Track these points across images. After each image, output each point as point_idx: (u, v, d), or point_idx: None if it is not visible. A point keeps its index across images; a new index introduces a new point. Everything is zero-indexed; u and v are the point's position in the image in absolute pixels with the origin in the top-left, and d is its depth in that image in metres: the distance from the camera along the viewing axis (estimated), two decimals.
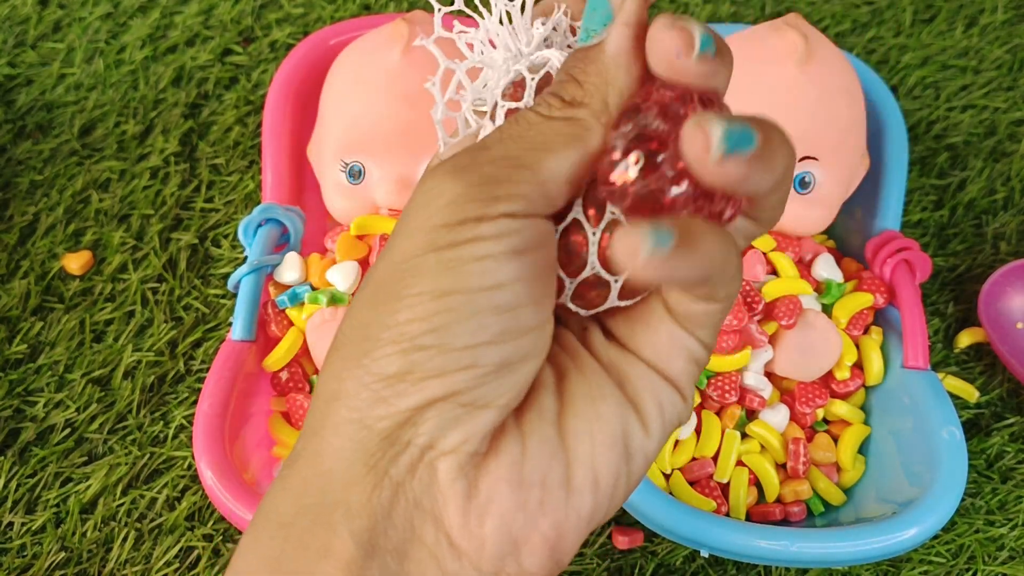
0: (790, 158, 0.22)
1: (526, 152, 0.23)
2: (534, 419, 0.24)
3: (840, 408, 0.44)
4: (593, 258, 0.24)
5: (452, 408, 0.22)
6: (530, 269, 0.23)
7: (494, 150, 0.23)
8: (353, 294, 0.43)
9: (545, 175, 0.23)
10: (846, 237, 0.49)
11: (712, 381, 0.43)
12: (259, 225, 0.45)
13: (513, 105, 0.25)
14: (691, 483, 0.42)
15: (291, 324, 0.44)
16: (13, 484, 0.43)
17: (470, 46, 0.26)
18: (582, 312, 0.25)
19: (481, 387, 0.23)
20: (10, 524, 0.43)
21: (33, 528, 0.43)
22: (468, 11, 0.26)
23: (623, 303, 0.25)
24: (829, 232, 0.49)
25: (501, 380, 0.23)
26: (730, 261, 0.22)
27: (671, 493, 0.41)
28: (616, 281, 0.24)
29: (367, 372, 0.23)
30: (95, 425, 0.45)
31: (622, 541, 0.42)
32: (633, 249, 0.20)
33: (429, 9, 0.57)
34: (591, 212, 0.24)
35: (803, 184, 0.44)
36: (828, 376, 0.44)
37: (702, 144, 0.20)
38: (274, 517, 0.23)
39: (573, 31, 0.26)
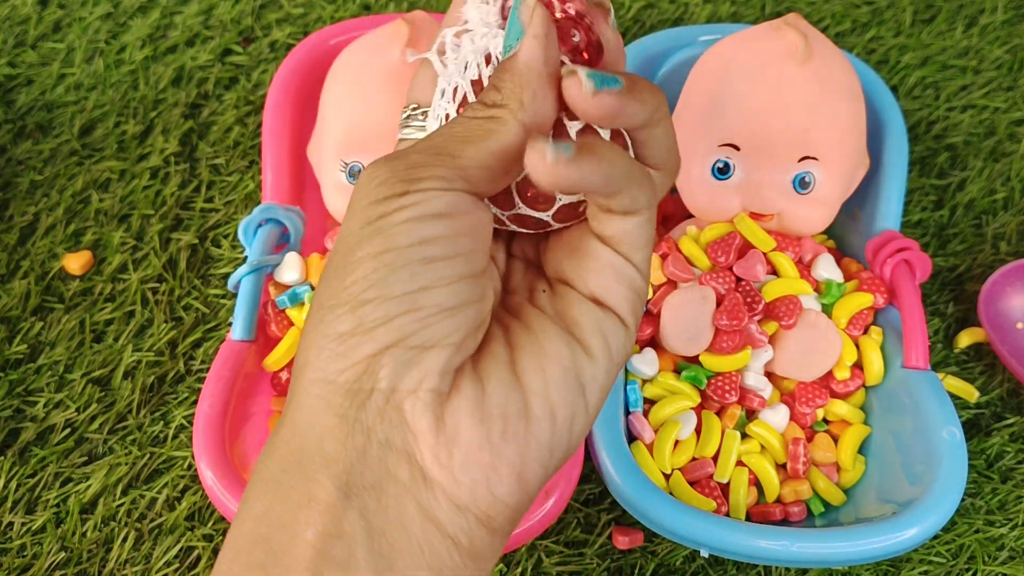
0: (658, 96, 0.27)
1: (449, 143, 0.27)
2: (489, 363, 0.27)
3: (840, 408, 0.44)
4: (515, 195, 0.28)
5: (403, 352, 0.25)
6: (455, 227, 0.26)
7: (423, 143, 0.27)
8: None
9: (464, 161, 0.26)
10: (846, 237, 0.49)
11: (712, 381, 0.43)
12: (259, 225, 0.45)
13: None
14: (691, 483, 0.42)
15: (291, 324, 0.44)
16: (13, 484, 0.43)
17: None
18: (526, 231, 0.29)
19: (425, 329, 0.25)
20: (10, 524, 0.43)
21: (33, 528, 0.43)
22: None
23: (557, 225, 0.29)
24: (829, 232, 0.49)
25: (444, 322, 0.26)
26: (629, 165, 0.26)
27: (671, 493, 0.41)
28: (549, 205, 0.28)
29: (323, 335, 0.25)
30: (95, 425, 0.45)
31: (622, 541, 0.42)
32: (539, 158, 0.25)
33: (429, 9, 0.57)
34: None
35: (803, 184, 0.44)
36: (828, 376, 0.44)
37: (576, 85, 0.26)
38: (263, 477, 0.26)
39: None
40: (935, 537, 0.44)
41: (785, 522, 0.43)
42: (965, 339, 0.48)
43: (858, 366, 0.45)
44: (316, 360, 0.25)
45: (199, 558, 0.42)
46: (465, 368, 0.26)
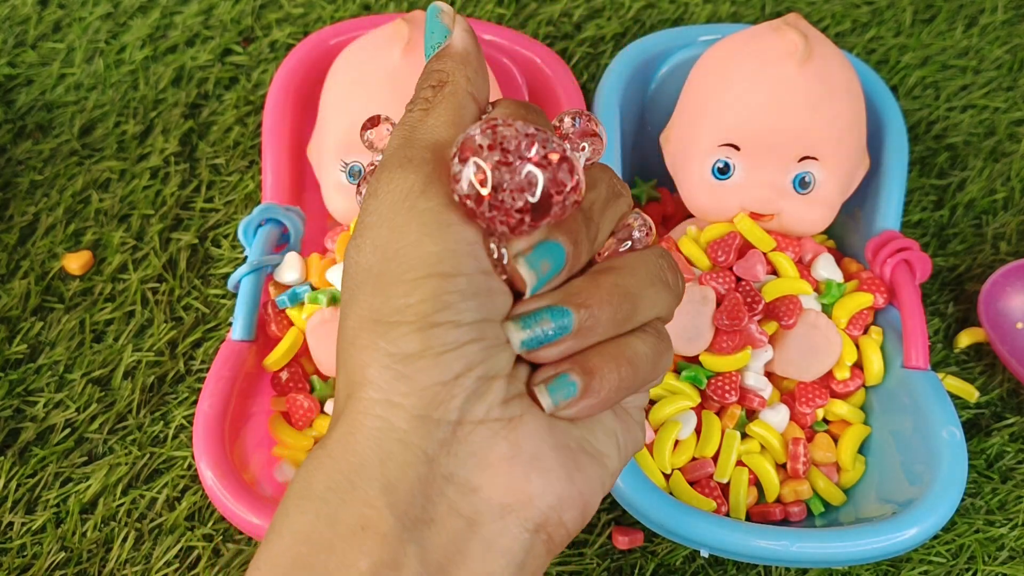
0: (615, 323, 0.26)
1: (435, 134, 0.26)
2: None
3: (840, 408, 0.44)
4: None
5: (472, 382, 0.24)
6: None
7: (416, 141, 0.26)
8: None
9: None
10: (846, 237, 0.49)
11: (712, 381, 0.43)
12: (259, 225, 0.45)
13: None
14: (691, 483, 0.42)
15: (291, 324, 0.44)
16: (13, 484, 0.43)
17: None
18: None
19: (490, 359, 0.25)
20: (10, 524, 0.43)
21: (33, 528, 0.43)
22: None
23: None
24: (829, 232, 0.49)
25: (503, 352, 0.25)
26: (635, 372, 0.26)
27: (671, 493, 0.41)
28: None
29: (386, 354, 0.24)
30: (95, 425, 0.45)
31: (622, 541, 0.42)
32: (547, 404, 0.26)
33: None
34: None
35: (803, 184, 0.44)
36: (828, 376, 0.44)
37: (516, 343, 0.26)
38: (306, 493, 0.24)
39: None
40: (935, 537, 0.44)
41: (785, 522, 0.43)
42: (965, 339, 0.48)
43: (858, 366, 0.45)
44: (379, 379, 0.24)
45: (199, 558, 0.42)
46: (524, 398, 0.26)
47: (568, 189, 0.25)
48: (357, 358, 0.25)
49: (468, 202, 0.25)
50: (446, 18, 0.29)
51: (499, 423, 0.25)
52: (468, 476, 0.25)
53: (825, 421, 0.45)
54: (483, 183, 0.24)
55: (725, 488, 0.42)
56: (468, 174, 0.24)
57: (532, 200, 0.24)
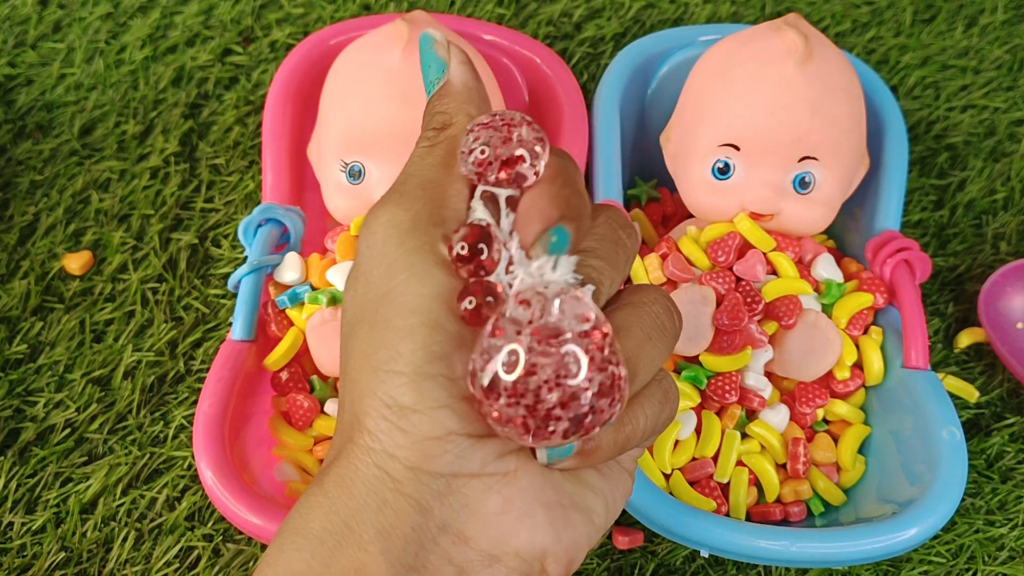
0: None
1: (434, 174, 0.27)
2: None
3: (840, 408, 0.44)
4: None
5: (464, 439, 0.25)
6: None
7: (411, 184, 0.27)
8: None
9: (457, 187, 0.27)
10: (846, 237, 0.49)
11: (712, 381, 0.43)
12: (259, 225, 0.45)
13: None
14: (691, 483, 0.42)
15: (291, 324, 0.44)
16: (13, 484, 0.43)
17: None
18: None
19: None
20: (10, 524, 0.43)
21: (33, 528, 0.43)
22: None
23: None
24: (829, 232, 0.49)
25: None
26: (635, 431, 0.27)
27: (671, 493, 0.41)
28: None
29: (382, 403, 0.25)
30: (95, 425, 0.45)
31: (622, 541, 0.43)
32: (541, 459, 0.26)
33: (429, 9, 0.57)
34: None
35: (803, 184, 0.44)
36: (828, 376, 0.44)
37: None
38: (302, 531, 0.25)
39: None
40: (935, 537, 0.44)
41: (785, 522, 0.43)
42: (965, 339, 0.48)
43: (858, 366, 0.45)
44: (376, 430, 0.25)
45: (199, 558, 0.42)
46: (520, 452, 0.26)
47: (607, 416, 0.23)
48: (358, 403, 0.25)
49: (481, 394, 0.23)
50: (441, 50, 0.29)
51: (494, 478, 0.25)
52: (461, 527, 0.25)
53: (825, 421, 0.45)
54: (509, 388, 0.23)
55: (725, 488, 0.42)
56: (495, 366, 0.23)
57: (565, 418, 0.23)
